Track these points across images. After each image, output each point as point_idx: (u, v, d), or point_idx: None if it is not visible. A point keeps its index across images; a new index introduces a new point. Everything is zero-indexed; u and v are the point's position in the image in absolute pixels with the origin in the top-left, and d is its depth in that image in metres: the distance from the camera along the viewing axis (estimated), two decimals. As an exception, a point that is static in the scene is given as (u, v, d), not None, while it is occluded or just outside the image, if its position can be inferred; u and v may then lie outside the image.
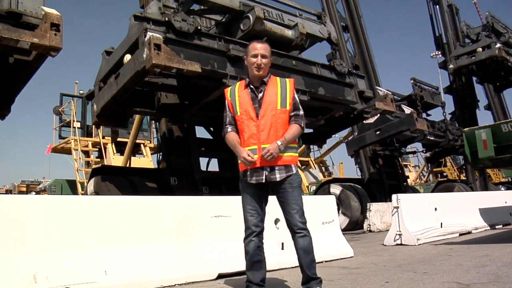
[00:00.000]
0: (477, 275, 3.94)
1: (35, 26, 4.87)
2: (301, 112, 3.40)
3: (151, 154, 14.78)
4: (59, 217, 3.76)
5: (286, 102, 3.33)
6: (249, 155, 3.22)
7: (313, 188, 15.38)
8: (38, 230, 3.61)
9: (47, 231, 3.67)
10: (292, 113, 3.36)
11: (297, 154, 3.40)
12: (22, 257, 3.47)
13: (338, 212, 7.74)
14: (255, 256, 3.30)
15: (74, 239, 3.79)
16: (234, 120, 3.43)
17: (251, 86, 3.38)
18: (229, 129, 3.44)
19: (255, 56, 3.34)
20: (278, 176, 3.26)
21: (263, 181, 3.27)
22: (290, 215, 3.30)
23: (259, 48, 3.36)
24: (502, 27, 15.79)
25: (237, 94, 3.41)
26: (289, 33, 7.92)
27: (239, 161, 3.38)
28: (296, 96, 3.42)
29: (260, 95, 3.35)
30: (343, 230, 6.38)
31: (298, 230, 3.28)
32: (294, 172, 3.34)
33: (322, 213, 6.00)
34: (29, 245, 3.54)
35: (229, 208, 4.88)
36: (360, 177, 14.09)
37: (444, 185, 16.66)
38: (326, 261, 5.34)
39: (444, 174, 24.93)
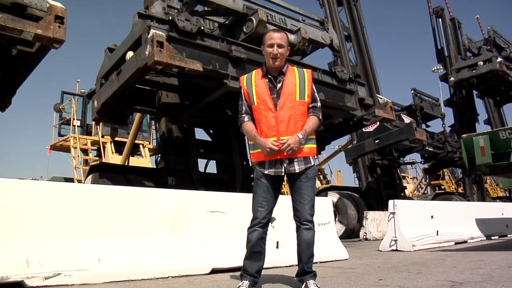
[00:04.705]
0: (471, 275, 3.94)
1: (40, 18, 4.89)
2: (319, 104, 3.37)
3: (150, 155, 14.75)
4: (55, 204, 3.77)
5: (305, 93, 3.28)
6: (273, 144, 3.15)
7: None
8: (33, 216, 3.61)
9: (42, 217, 3.66)
10: (311, 105, 3.32)
11: (315, 146, 3.36)
12: (15, 242, 3.47)
13: (335, 220, 7.74)
14: (256, 246, 3.27)
15: (68, 226, 3.79)
16: (251, 109, 3.35)
17: (269, 76, 3.32)
18: (246, 119, 3.37)
19: (271, 46, 3.26)
20: (297, 168, 3.23)
21: (282, 173, 3.24)
22: (302, 205, 3.28)
23: (276, 37, 3.29)
24: (503, 42, 15.96)
25: (253, 84, 3.33)
26: (291, 37, 7.92)
27: (252, 151, 3.35)
28: (314, 87, 3.37)
29: (279, 85, 3.28)
30: (339, 238, 6.38)
31: (305, 221, 3.28)
32: (312, 164, 3.32)
33: (318, 215, 5.94)
34: (23, 230, 3.54)
35: (226, 204, 4.89)
36: (357, 185, 14.11)
37: (441, 197, 16.68)
38: (320, 262, 5.31)
39: (442, 187, 24.97)
